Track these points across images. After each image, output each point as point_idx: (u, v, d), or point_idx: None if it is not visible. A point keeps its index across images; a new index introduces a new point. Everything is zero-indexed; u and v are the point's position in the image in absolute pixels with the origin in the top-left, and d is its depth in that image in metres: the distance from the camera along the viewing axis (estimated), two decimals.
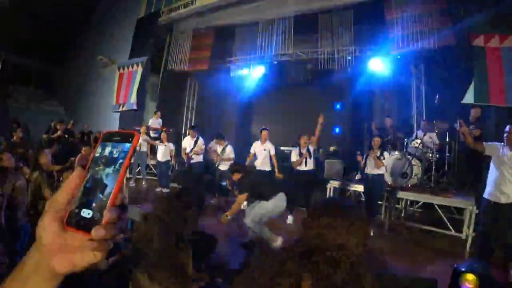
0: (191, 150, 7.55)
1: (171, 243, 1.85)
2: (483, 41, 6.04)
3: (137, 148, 5.33)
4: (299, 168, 6.02)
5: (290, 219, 5.88)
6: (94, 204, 0.44)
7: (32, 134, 8.59)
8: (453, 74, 6.72)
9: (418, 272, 4.03)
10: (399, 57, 7.70)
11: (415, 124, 7.39)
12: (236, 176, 4.27)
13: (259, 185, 4.26)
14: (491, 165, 3.82)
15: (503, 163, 3.65)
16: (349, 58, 8.21)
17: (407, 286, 3.18)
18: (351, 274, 0.90)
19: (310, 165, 6.03)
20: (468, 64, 6.24)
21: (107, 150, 0.47)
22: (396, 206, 6.23)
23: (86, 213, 0.44)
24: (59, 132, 7.47)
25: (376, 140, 5.68)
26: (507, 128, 3.82)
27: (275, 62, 9.42)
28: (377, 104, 8.59)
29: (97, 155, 0.48)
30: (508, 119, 5.31)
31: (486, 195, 3.82)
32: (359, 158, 6.02)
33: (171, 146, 8.28)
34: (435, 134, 6.37)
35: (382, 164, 5.52)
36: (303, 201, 6.13)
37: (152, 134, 9.67)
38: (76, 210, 0.45)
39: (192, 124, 10.44)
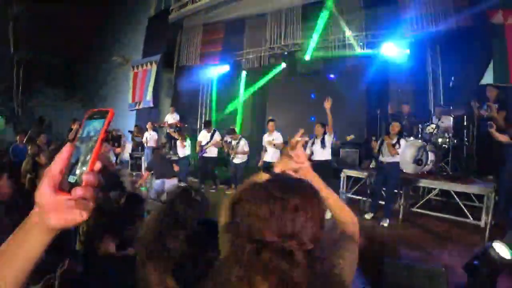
0: (207, 143, 7.69)
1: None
2: (502, 18, 5.69)
3: (145, 142, 5.67)
4: (314, 157, 5.83)
5: None
6: (77, 171, 0.54)
7: (55, 132, 9.03)
8: (470, 55, 6.36)
9: (433, 261, 3.92)
10: (413, 40, 7.39)
11: (432, 109, 7.08)
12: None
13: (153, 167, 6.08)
14: None
15: None
16: (361, 43, 7.99)
17: (417, 275, 3.11)
18: (311, 265, 0.73)
19: (322, 155, 5.81)
20: (486, 44, 5.91)
21: (89, 126, 0.57)
22: (412, 193, 6.05)
23: (71, 178, 0.54)
24: (72, 131, 7.90)
25: (395, 126, 5.33)
26: None
27: (286, 53, 9.33)
28: (392, 89, 8.29)
29: (81, 131, 0.57)
30: None
31: None
32: (373, 144, 5.77)
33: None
34: (451, 118, 6.08)
35: (396, 152, 5.25)
36: None
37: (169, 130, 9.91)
38: (66, 177, 0.54)
39: (207, 119, 10.58)
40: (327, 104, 5.40)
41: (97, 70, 13.90)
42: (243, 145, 7.38)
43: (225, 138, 8.21)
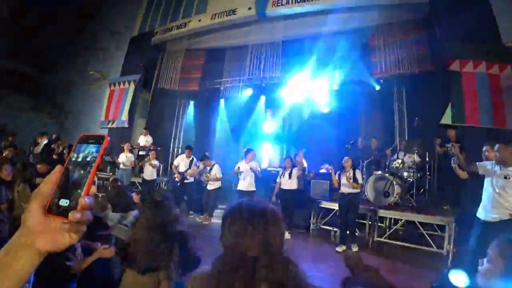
0: (186, 171, 7.64)
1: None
2: (459, 66, 6.41)
3: (120, 164, 5.40)
4: (282, 187, 6.47)
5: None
6: (70, 195, 0.53)
7: (21, 142, 8.49)
8: (432, 97, 7.02)
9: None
10: (382, 81, 8.05)
11: (398, 145, 7.58)
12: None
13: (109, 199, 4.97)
14: (484, 184, 3.82)
15: (492, 182, 3.67)
16: (334, 82, 8.52)
17: None
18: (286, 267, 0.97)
19: (291, 184, 6.41)
20: (446, 87, 6.57)
21: (82, 150, 0.57)
22: (380, 224, 6.26)
23: (63, 202, 0.53)
24: (39, 146, 7.53)
25: (348, 160, 5.70)
26: (484, 147, 3.95)
27: (264, 85, 9.69)
28: (361, 125, 8.82)
29: (74, 154, 0.58)
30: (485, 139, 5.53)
31: (478, 213, 3.81)
32: (334, 177, 5.91)
33: (157, 164, 8.27)
34: (415, 154, 6.54)
35: (358, 186, 5.58)
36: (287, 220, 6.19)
37: (140, 152, 9.70)
38: (56, 200, 0.53)
39: (183, 144, 10.54)
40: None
41: (70, 83, 13.41)
42: (216, 171, 7.36)
43: (197, 164, 8.20)
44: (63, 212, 0.52)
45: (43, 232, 0.52)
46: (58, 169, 0.56)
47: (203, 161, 7.70)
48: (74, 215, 0.51)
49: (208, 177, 7.32)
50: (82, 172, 0.55)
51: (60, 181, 0.54)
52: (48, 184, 0.54)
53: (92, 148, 0.57)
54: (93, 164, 0.55)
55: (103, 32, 12.92)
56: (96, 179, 7.18)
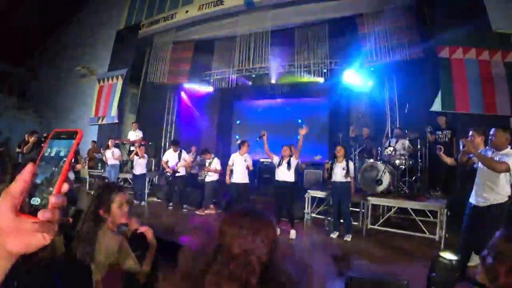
0: (176, 164, 7.62)
1: None
2: (448, 53, 6.41)
3: (107, 160, 5.26)
4: (278, 178, 5.95)
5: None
6: (42, 193, 0.50)
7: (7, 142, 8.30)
8: (422, 84, 7.05)
9: (395, 274, 4.09)
10: (372, 69, 8.03)
11: (389, 132, 7.62)
12: None
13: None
14: (477, 169, 3.84)
15: (484, 167, 3.66)
16: (325, 70, 8.48)
17: None
18: (265, 275, 0.98)
19: (289, 176, 5.93)
20: (436, 74, 6.59)
21: (55, 146, 0.54)
22: (373, 212, 6.32)
23: (35, 201, 0.50)
24: (29, 145, 7.36)
25: (340, 149, 5.65)
26: (492, 131, 3.82)
27: (253, 75, 9.60)
28: (353, 114, 8.84)
29: (46, 150, 0.54)
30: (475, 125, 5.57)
31: (470, 198, 3.85)
32: (327, 166, 5.91)
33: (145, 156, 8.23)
34: (407, 141, 6.59)
35: (350, 177, 5.57)
36: (284, 212, 6.14)
37: (132, 148, 9.61)
38: (27, 199, 0.50)
39: (173, 138, 10.42)
40: (303, 131, 5.56)
41: (56, 80, 13.05)
42: (216, 163, 7.39)
43: (198, 158, 8.20)
44: (35, 211, 0.49)
45: (14, 233, 0.48)
46: (30, 167, 0.52)
47: (204, 155, 7.75)
48: (43, 214, 0.49)
49: (208, 169, 7.36)
50: (54, 169, 0.52)
51: (33, 179, 0.51)
52: (20, 183, 0.50)
53: (65, 144, 0.54)
54: (65, 160, 0.52)
55: (89, 26, 12.55)
56: (71, 175, 7.04)
